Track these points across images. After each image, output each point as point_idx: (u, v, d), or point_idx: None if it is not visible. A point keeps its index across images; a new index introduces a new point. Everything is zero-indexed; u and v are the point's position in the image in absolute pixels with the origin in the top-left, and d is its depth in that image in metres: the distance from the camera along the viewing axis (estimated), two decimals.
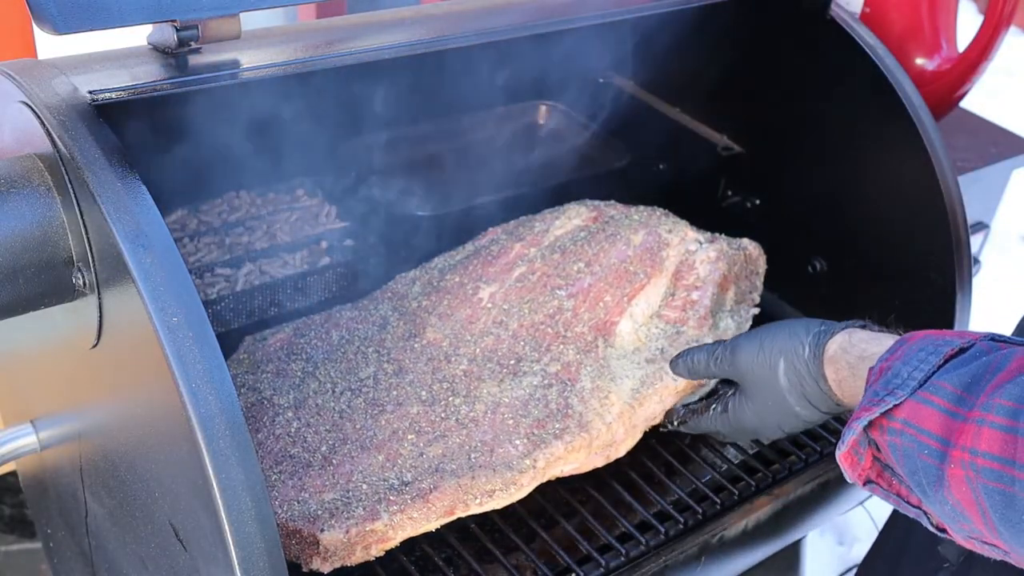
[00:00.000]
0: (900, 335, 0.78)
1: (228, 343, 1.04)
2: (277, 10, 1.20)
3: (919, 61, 1.39)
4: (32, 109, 0.71)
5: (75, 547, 0.96)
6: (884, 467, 0.75)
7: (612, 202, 1.17)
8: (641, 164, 1.38)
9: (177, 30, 0.77)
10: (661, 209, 1.15)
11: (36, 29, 0.76)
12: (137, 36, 0.81)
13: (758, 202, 1.30)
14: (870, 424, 0.73)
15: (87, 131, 0.69)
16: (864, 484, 0.76)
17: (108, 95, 0.74)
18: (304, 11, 1.55)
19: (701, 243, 1.07)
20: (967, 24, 1.44)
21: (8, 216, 0.69)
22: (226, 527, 0.62)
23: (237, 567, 0.62)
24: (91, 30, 0.72)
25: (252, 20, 0.83)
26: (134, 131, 0.80)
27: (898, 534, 0.98)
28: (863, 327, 0.84)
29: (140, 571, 0.80)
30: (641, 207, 1.15)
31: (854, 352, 0.82)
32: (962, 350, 0.71)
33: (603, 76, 1.42)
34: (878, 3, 1.32)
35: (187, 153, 0.94)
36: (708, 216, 1.18)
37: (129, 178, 0.67)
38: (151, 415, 0.68)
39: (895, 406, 0.70)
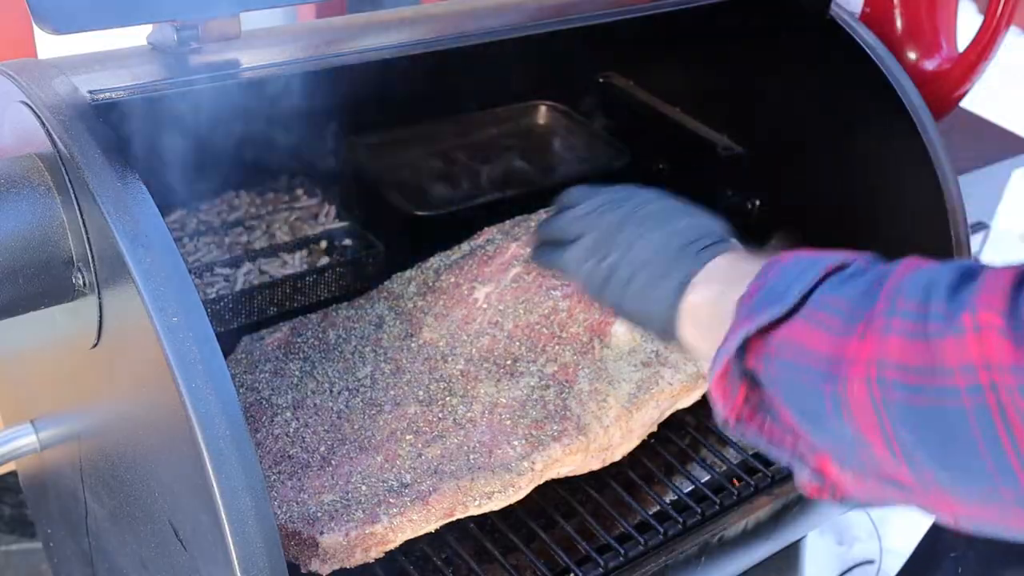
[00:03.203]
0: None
1: (228, 343, 1.04)
2: (277, 10, 1.20)
3: (919, 61, 1.39)
4: (32, 109, 0.71)
5: (75, 547, 0.96)
6: (759, 405, 0.67)
7: None
8: (641, 164, 1.38)
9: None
10: None
11: (36, 29, 0.76)
12: (137, 36, 0.81)
13: (758, 202, 1.30)
14: (745, 350, 0.64)
15: (87, 131, 0.69)
16: (735, 422, 0.68)
17: (108, 95, 0.74)
18: (304, 11, 1.55)
19: None
20: (967, 24, 1.44)
21: (8, 216, 0.69)
22: (226, 527, 0.62)
23: (237, 567, 0.62)
24: (91, 30, 0.72)
25: (252, 20, 0.83)
26: (134, 131, 0.80)
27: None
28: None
29: (140, 571, 0.80)
30: None
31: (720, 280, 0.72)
32: (843, 266, 0.64)
33: (603, 76, 1.42)
34: (878, 3, 1.32)
35: (187, 153, 0.94)
36: None
37: (129, 178, 0.67)
38: (151, 415, 0.68)
39: (773, 324, 0.62)
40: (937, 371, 0.53)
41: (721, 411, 0.68)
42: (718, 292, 0.71)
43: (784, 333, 0.62)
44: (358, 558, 0.84)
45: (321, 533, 0.83)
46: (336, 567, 0.84)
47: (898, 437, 0.56)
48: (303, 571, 0.84)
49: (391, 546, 0.85)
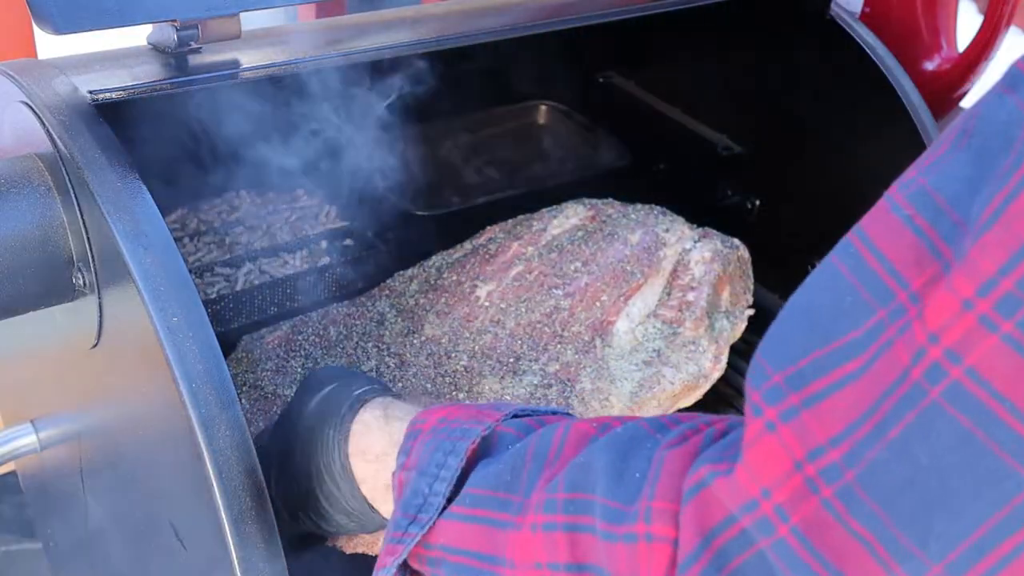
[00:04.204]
0: (418, 411, 0.63)
1: (228, 343, 1.04)
2: (277, 10, 1.20)
3: (919, 61, 1.39)
4: (32, 109, 0.71)
5: (75, 547, 0.96)
6: None
7: (610, 200, 1.17)
8: (641, 164, 1.38)
9: (177, 30, 0.77)
10: (659, 207, 1.15)
11: (36, 29, 0.76)
12: (137, 36, 0.81)
13: (758, 202, 1.30)
14: (406, 562, 0.59)
15: (87, 131, 0.69)
16: None
17: (108, 95, 0.74)
18: (304, 11, 1.55)
19: (695, 241, 1.08)
20: (967, 24, 1.44)
21: (8, 216, 0.69)
22: (226, 527, 0.62)
23: (237, 567, 0.62)
24: (91, 30, 0.72)
25: (252, 20, 0.83)
26: (134, 131, 0.80)
27: None
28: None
29: (140, 571, 0.80)
30: (639, 205, 1.15)
31: (377, 441, 0.65)
32: (484, 440, 0.58)
33: (603, 76, 1.42)
34: (878, 3, 1.32)
35: (187, 153, 0.94)
36: (708, 216, 1.18)
37: (129, 178, 0.67)
38: (151, 415, 0.68)
39: (425, 533, 0.57)
40: (588, 567, 0.49)
41: None
42: (377, 463, 0.65)
43: (440, 535, 0.57)
44: (378, 549, 0.83)
45: None
46: (360, 550, 0.83)
47: None
48: (329, 543, 0.83)
49: None
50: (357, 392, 0.69)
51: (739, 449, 0.43)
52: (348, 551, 0.83)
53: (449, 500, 0.57)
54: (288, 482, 0.70)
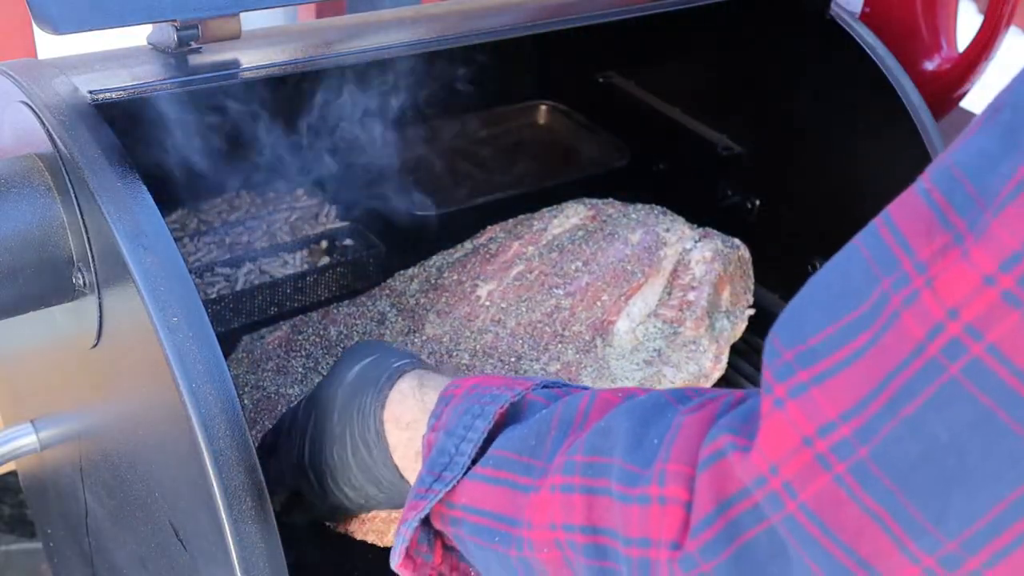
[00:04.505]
0: (452, 380, 0.64)
1: (228, 343, 1.04)
2: (277, 10, 1.20)
3: (919, 61, 1.39)
4: (32, 109, 0.71)
5: (75, 547, 0.96)
6: (461, 556, 0.61)
7: (611, 200, 1.17)
8: (641, 164, 1.38)
9: (177, 30, 0.77)
10: (659, 207, 1.15)
11: (36, 29, 0.76)
12: (137, 36, 0.81)
13: (758, 202, 1.30)
14: (427, 517, 0.59)
15: (87, 131, 0.69)
16: None
17: (108, 95, 0.74)
18: (304, 11, 1.55)
19: (696, 241, 1.08)
20: (967, 24, 1.44)
21: (8, 216, 0.69)
22: (226, 527, 0.62)
23: (237, 567, 0.62)
24: (91, 30, 0.72)
25: (252, 20, 0.83)
26: (134, 131, 0.80)
27: None
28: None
29: (140, 571, 0.80)
30: (639, 205, 1.15)
31: (411, 408, 0.66)
32: (512, 406, 0.59)
33: (603, 76, 1.42)
34: (878, 3, 1.32)
35: (187, 153, 0.94)
36: (708, 216, 1.18)
37: (129, 178, 0.67)
38: (151, 415, 0.68)
39: (449, 491, 0.57)
40: (619, 537, 0.48)
41: None
42: (409, 430, 0.66)
43: (463, 495, 0.57)
44: (391, 539, 0.83)
45: None
46: (371, 539, 0.83)
47: None
48: (339, 530, 0.83)
49: None
50: (396, 364, 0.69)
51: (757, 425, 0.43)
52: (358, 536, 0.83)
53: (475, 461, 0.58)
54: (321, 450, 0.71)
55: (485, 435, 0.58)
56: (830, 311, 0.41)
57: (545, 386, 0.61)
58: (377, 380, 0.69)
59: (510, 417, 0.59)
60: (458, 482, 0.57)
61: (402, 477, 0.67)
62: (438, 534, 0.61)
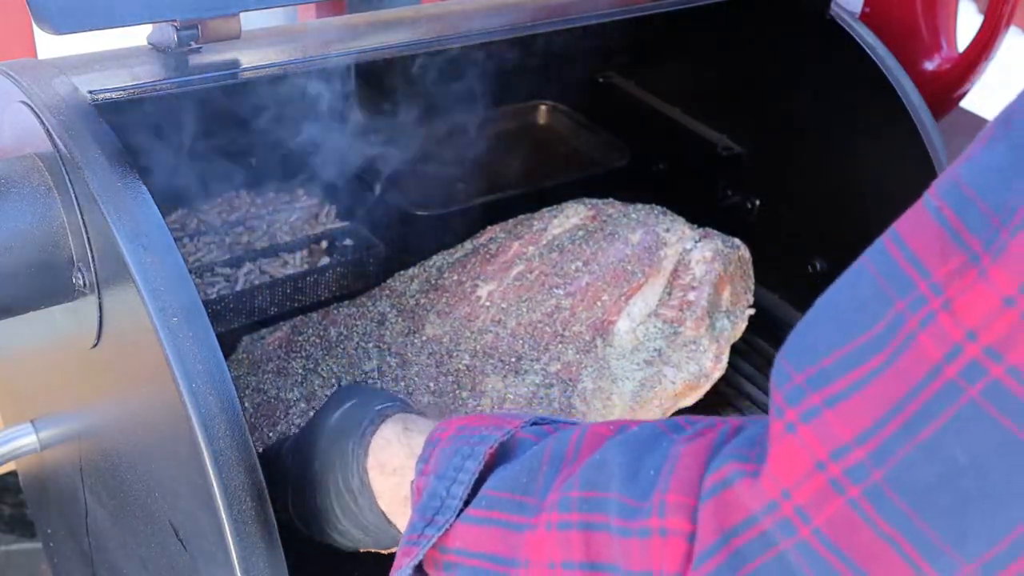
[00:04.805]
0: (438, 423, 0.63)
1: (228, 343, 1.04)
2: (277, 10, 1.20)
3: (919, 61, 1.39)
4: (32, 109, 0.71)
5: (75, 547, 0.96)
6: None
7: (611, 200, 1.17)
8: (641, 164, 1.38)
9: (177, 30, 0.77)
10: (659, 207, 1.15)
11: (36, 29, 0.76)
12: (137, 36, 0.81)
13: (758, 202, 1.30)
14: (420, 564, 0.58)
15: (87, 131, 0.69)
16: None
17: (108, 95, 0.74)
18: (304, 11, 1.55)
19: (696, 241, 1.08)
20: (967, 24, 1.44)
21: (8, 216, 0.69)
22: (226, 527, 0.62)
23: (237, 567, 0.62)
24: (91, 30, 0.72)
25: (252, 20, 0.83)
26: (134, 131, 0.80)
27: None
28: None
29: (140, 571, 0.80)
30: (639, 205, 1.15)
31: (397, 454, 0.64)
32: (502, 445, 0.58)
33: (603, 76, 1.42)
34: (878, 3, 1.32)
35: (187, 153, 0.94)
36: (708, 216, 1.18)
37: (129, 178, 0.67)
38: (151, 415, 0.68)
39: (442, 536, 0.56)
40: (621, 572, 0.47)
41: None
42: (395, 476, 0.65)
43: (456, 539, 0.56)
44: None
45: None
46: (373, 548, 0.82)
47: None
48: None
49: None
50: (378, 408, 0.68)
51: (765, 450, 0.42)
52: (361, 548, 0.83)
53: (467, 503, 0.57)
54: (306, 497, 0.70)
55: (476, 476, 0.56)
56: (842, 332, 0.40)
57: (535, 423, 0.60)
58: (359, 425, 0.67)
59: (500, 456, 0.58)
60: (451, 526, 0.56)
61: (389, 522, 0.66)
62: None
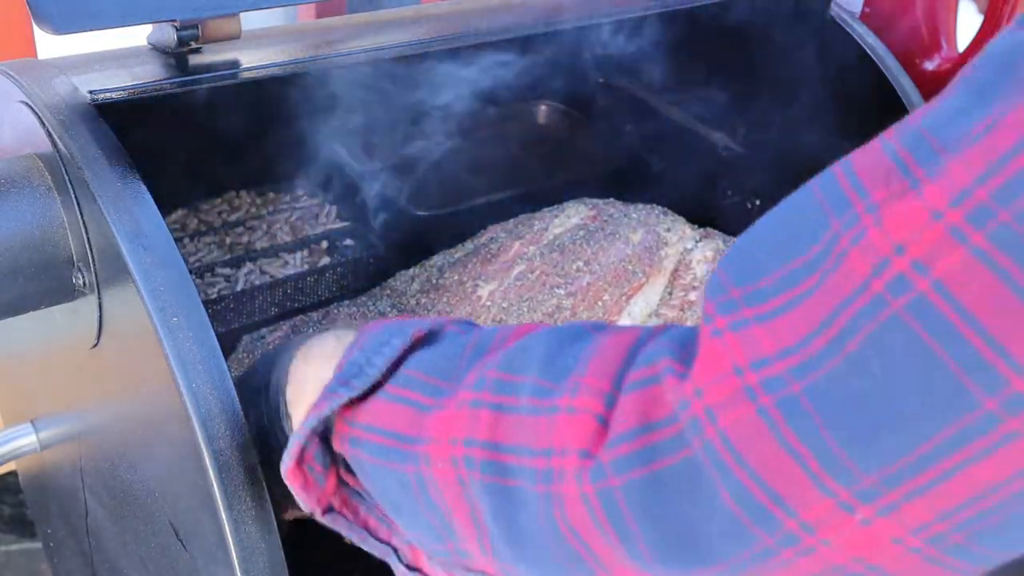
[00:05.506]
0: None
1: (228, 343, 1.04)
2: (277, 10, 1.20)
3: (919, 61, 1.39)
4: (32, 109, 0.71)
5: (75, 547, 0.96)
6: (353, 493, 0.60)
7: (611, 200, 1.17)
8: (641, 164, 1.38)
9: (177, 30, 0.77)
10: (660, 207, 1.15)
11: (36, 29, 0.76)
12: (137, 36, 0.81)
13: (758, 202, 1.30)
14: (328, 433, 0.57)
15: (87, 131, 0.69)
16: (324, 513, 0.60)
17: (108, 95, 0.74)
18: (304, 11, 1.55)
19: (697, 241, 1.08)
20: (967, 24, 1.44)
21: (8, 216, 0.69)
22: (226, 527, 0.62)
23: (237, 567, 0.62)
24: (91, 30, 0.72)
25: (252, 20, 0.83)
26: (134, 131, 0.80)
27: None
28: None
29: (140, 571, 0.80)
30: (640, 205, 1.15)
31: (328, 343, 0.62)
32: (432, 333, 0.57)
33: (603, 76, 1.42)
34: (878, 3, 1.32)
35: (187, 153, 0.94)
36: (708, 217, 1.19)
37: (129, 178, 0.67)
38: (151, 415, 0.68)
39: (352, 403, 0.55)
40: (524, 451, 0.46)
41: (302, 502, 0.59)
42: (318, 367, 0.62)
43: (366, 414, 0.55)
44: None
45: None
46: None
47: (485, 522, 0.49)
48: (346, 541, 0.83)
49: None
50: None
51: (694, 354, 0.42)
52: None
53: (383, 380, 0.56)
54: (247, 407, 0.67)
55: (400, 353, 0.55)
56: (781, 254, 0.40)
57: (468, 323, 0.59)
58: (305, 334, 0.67)
59: (427, 342, 0.57)
60: (364, 397, 0.55)
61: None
62: (334, 462, 0.59)
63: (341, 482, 0.60)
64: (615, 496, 0.43)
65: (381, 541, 0.59)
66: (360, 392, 0.55)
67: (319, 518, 0.60)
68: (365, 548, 0.60)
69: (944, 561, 0.38)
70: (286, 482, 0.58)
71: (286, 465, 0.57)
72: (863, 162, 0.40)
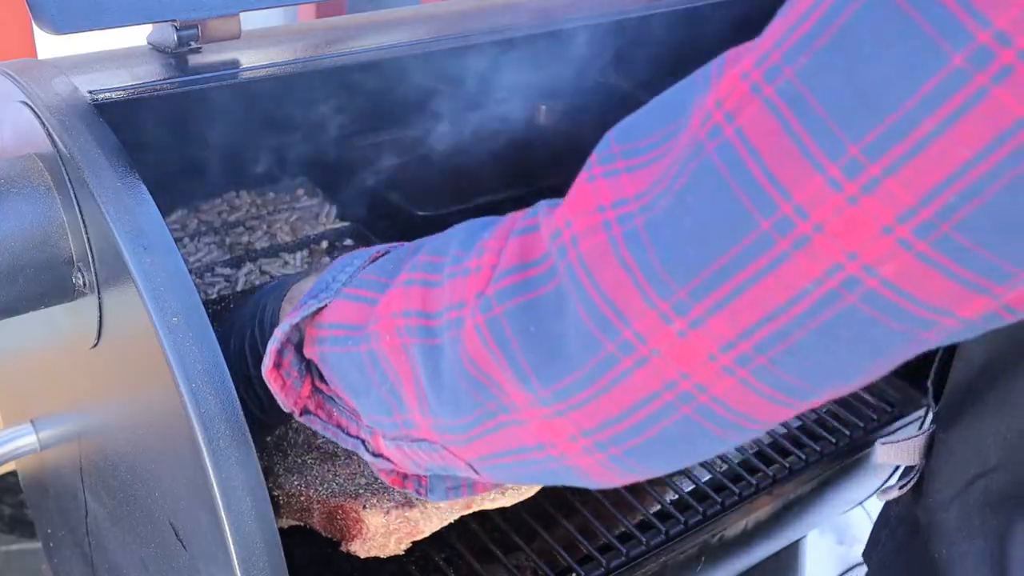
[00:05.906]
0: None
1: None
2: (277, 10, 1.21)
3: None
4: (32, 109, 0.71)
5: (75, 547, 0.96)
6: (326, 398, 0.67)
7: None
8: None
9: (177, 30, 0.77)
10: None
11: (36, 29, 0.76)
12: (137, 36, 0.81)
13: None
14: (301, 342, 0.65)
15: (87, 131, 0.69)
16: (301, 414, 0.67)
17: (108, 95, 0.74)
18: (304, 11, 1.55)
19: None
20: None
21: (8, 216, 0.69)
22: (226, 527, 0.62)
23: (237, 567, 0.62)
24: (91, 30, 0.72)
25: (252, 20, 0.83)
26: (134, 131, 0.80)
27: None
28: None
29: (140, 571, 0.80)
30: None
31: (310, 282, 0.69)
32: (388, 251, 0.65)
33: (603, 76, 1.42)
34: None
35: (187, 153, 0.94)
36: None
37: (129, 178, 0.67)
38: (151, 415, 0.68)
39: (320, 311, 0.63)
40: (443, 311, 0.54)
41: (282, 402, 0.66)
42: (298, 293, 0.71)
43: (328, 314, 0.62)
44: (391, 548, 0.83)
45: (363, 507, 0.82)
46: (373, 553, 0.83)
47: (423, 385, 0.55)
48: (343, 549, 0.83)
49: (420, 536, 0.84)
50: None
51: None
52: (362, 555, 0.83)
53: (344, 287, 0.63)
54: (230, 342, 0.74)
55: (361, 269, 0.63)
56: (659, 121, 0.47)
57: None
58: (295, 279, 0.74)
59: (381, 257, 0.65)
60: (329, 303, 0.62)
61: None
62: (309, 371, 0.66)
63: (315, 389, 0.66)
64: (501, 323, 0.49)
65: (351, 436, 0.66)
66: (326, 303, 0.62)
67: (297, 418, 0.66)
68: (338, 443, 0.67)
69: (757, 387, 0.43)
70: (267, 382, 0.65)
71: (265, 366, 0.64)
72: (730, 54, 0.46)
